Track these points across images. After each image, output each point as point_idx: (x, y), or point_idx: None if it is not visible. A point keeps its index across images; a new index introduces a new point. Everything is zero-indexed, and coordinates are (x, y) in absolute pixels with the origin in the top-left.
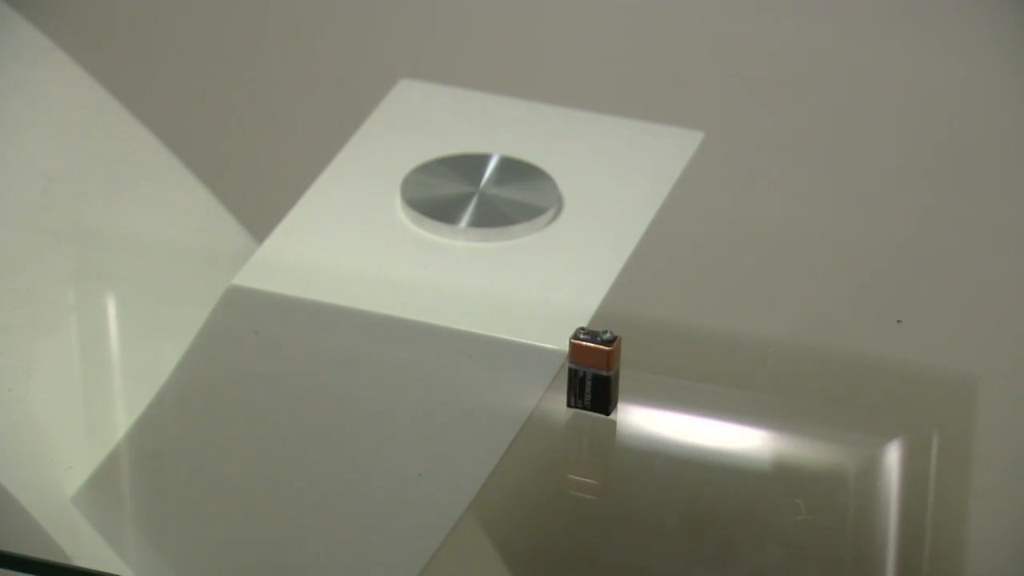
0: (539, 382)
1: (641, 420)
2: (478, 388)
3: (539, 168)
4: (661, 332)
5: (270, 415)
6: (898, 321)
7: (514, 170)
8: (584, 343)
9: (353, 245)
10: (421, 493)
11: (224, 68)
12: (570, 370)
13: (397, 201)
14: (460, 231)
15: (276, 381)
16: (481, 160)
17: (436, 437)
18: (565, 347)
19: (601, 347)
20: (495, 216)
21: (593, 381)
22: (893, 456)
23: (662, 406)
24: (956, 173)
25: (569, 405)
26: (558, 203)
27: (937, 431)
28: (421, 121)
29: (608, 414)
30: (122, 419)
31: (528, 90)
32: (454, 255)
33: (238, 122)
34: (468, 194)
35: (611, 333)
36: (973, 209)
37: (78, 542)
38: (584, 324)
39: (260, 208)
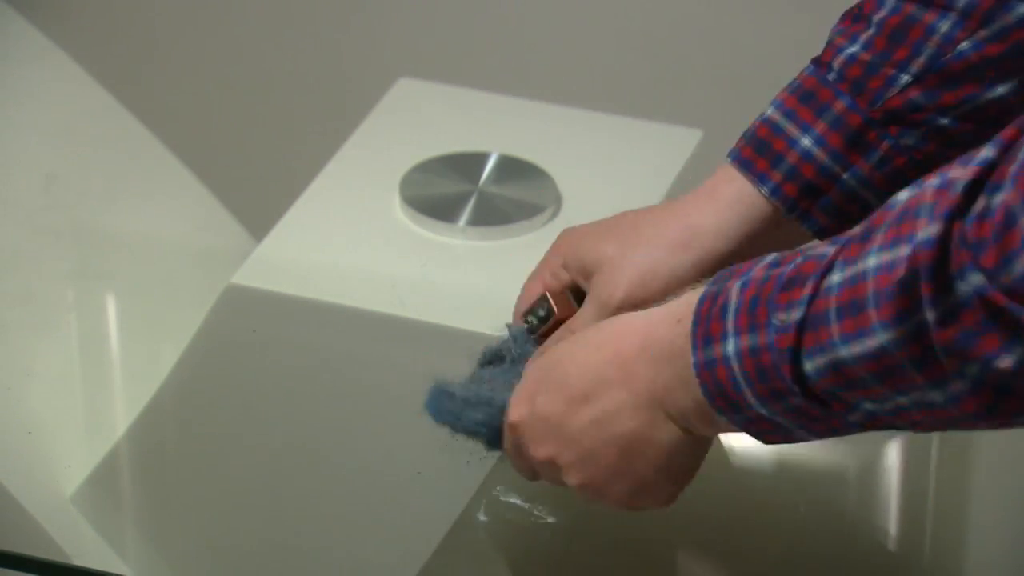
0: None
1: None
2: None
3: (538, 167)
4: None
5: (269, 413)
6: None
7: (513, 169)
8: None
9: (352, 243)
10: (421, 492)
11: (224, 68)
12: None
13: (396, 199)
14: (459, 230)
15: (275, 379)
16: (480, 159)
17: (435, 436)
18: None
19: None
20: (494, 215)
21: None
22: (893, 456)
23: None
24: None
25: None
26: (557, 202)
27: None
28: (420, 120)
29: None
30: (121, 418)
31: (527, 89)
32: (453, 253)
33: (237, 121)
34: (467, 192)
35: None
36: None
37: (77, 541)
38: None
39: (259, 207)
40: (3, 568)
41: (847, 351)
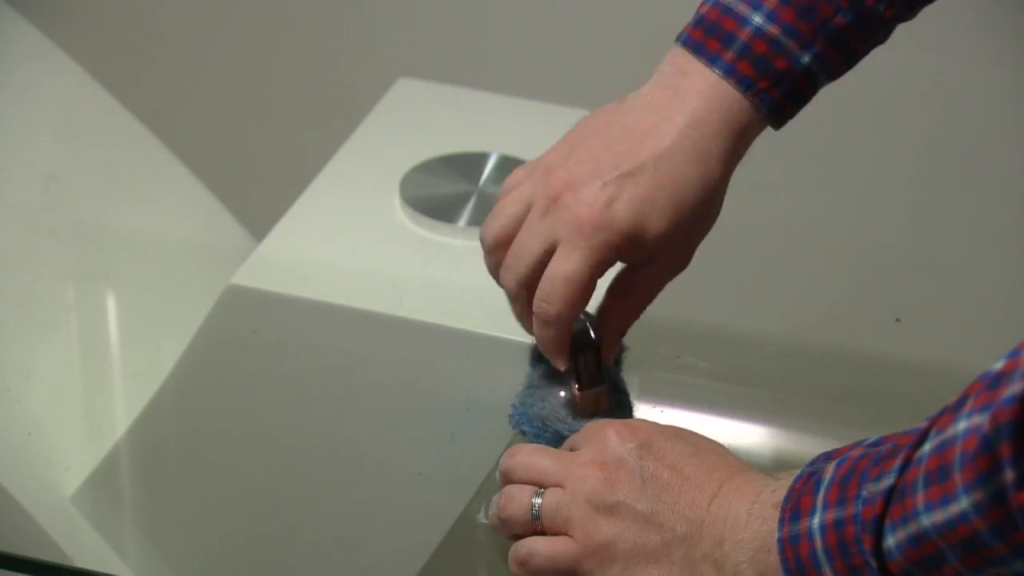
0: None
1: (642, 417)
2: (477, 386)
3: None
4: (661, 330)
5: (269, 414)
6: (896, 320)
7: (513, 169)
8: None
9: (352, 244)
10: (421, 492)
11: (224, 68)
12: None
13: (396, 200)
14: (459, 230)
15: (275, 380)
16: (480, 159)
17: (435, 435)
18: None
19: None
20: None
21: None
22: None
23: (662, 403)
24: (955, 172)
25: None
26: None
27: None
28: (420, 119)
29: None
30: (121, 418)
31: (527, 88)
32: (453, 254)
33: (238, 121)
34: (467, 193)
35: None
36: (971, 208)
37: (77, 541)
38: None
39: (259, 206)
40: (3, 568)
41: (929, 520)
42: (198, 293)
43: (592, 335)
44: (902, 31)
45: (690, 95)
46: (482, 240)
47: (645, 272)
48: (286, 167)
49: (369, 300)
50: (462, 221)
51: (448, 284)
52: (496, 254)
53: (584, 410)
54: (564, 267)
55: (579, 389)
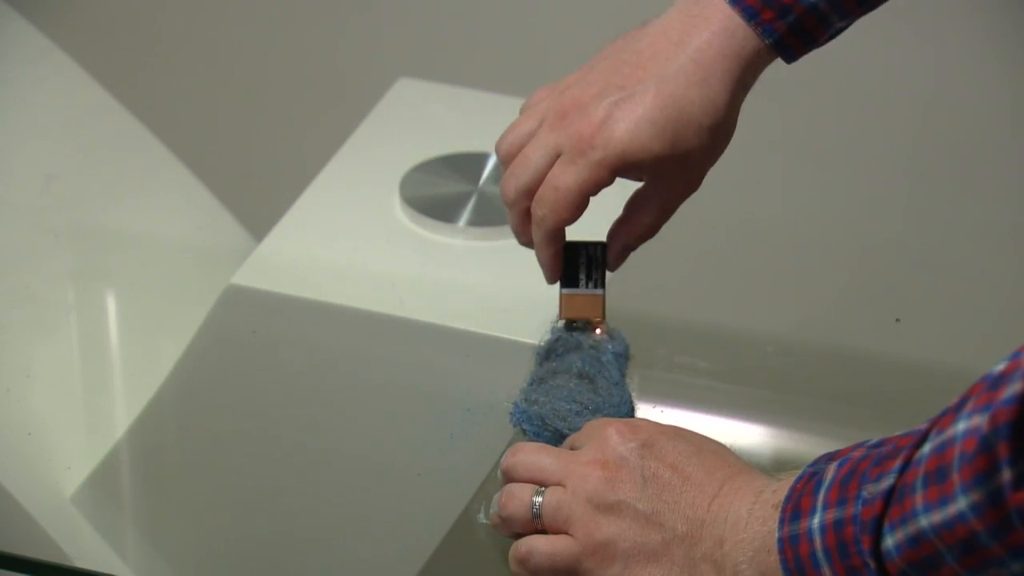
0: None
1: (642, 417)
2: (477, 386)
3: None
4: (661, 330)
5: (269, 414)
6: (896, 320)
7: None
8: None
9: (352, 244)
10: (421, 492)
11: (224, 68)
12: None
13: (396, 200)
14: (459, 230)
15: (274, 380)
16: (480, 159)
17: (435, 435)
18: None
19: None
20: (494, 215)
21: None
22: None
23: (662, 403)
24: (954, 172)
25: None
26: None
27: None
28: (420, 120)
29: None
30: (121, 418)
31: (527, 89)
32: (453, 254)
33: (238, 121)
34: (467, 193)
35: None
36: (970, 208)
37: (77, 541)
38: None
39: (259, 206)
40: (3, 568)
41: (927, 521)
42: (198, 293)
43: (598, 252)
44: (903, 30)
45: (700, 20)
46: (496, 151)
47: (655, 190)
48: (286, 167)
49: (369, 300)
50: (462, 221)
51: (448, 284)
52: (507, 165)
53: (568, 310)
54: (558, 178)
55: (562, 286)
